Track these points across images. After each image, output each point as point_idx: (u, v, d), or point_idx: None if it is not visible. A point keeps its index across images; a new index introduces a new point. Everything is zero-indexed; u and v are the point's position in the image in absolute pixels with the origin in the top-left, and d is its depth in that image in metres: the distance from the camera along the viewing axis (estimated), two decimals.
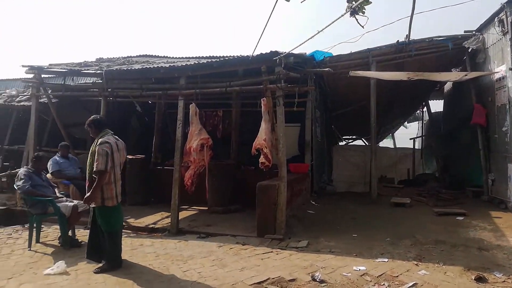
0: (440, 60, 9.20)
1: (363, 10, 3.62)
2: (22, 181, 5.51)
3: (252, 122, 8.12)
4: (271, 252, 5.06)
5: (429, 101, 12.90)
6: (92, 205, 4.56)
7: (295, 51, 6.53)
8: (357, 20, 3.70)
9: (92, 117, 4.78)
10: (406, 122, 16.20)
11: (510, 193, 7.00)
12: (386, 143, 16.13)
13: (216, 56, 9.75)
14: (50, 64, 9.25)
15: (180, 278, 4.22)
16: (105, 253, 4.57)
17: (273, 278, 4.09)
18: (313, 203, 7.78)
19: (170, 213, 6.49)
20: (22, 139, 10.17)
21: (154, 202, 8.34)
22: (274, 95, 6.60)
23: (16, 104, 10.78)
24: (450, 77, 8.99)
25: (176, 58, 10.86)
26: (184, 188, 6.99)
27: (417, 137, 13.30)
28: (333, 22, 4.03)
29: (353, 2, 3.55)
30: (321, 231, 6.04)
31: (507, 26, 7.18)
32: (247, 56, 6.90)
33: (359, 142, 14.56)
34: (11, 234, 6.17)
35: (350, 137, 14.88)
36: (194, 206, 7.96)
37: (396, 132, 16.31)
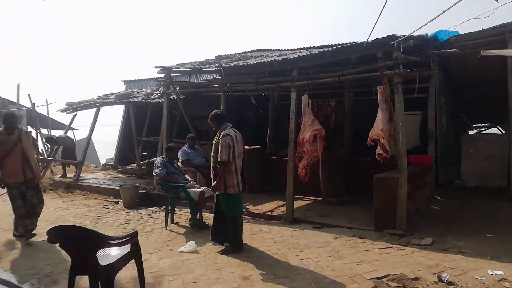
0: None
1: None
2: (159, 169, 6.31)
3: (366, 111, 7.82)
4: (391, 247, 4.85)
5: None
6: (216, 193, 4.99)
7: (415, 34, 6.06)
8: None
9: (213, 112, 5.20)
10: None
11: None
12: None
13: (328, 45, 9.58)
14: (177, 64, 10.29)
15: (297, 266, 4.35)
16: (228, 237, 4.96)
17: (394, 275, 3.93)
18: (438, 198, 7.16)
19: (285, 202, 6.70)
20: (157, 132, 11.63)
21: (270, 191, 8.69)
22: (391, 82, 6.24)
23: (151, 101, 12.28)
24: None
25: (288, 50, 11.01)
26: (298, 178, 7.13)
27: None
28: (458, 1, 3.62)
29: None
30: (448, 228, 5.55)
31: None
32: (361, 42, 6.66)
33: (493, 131, 12.77)
34: (151, 215, 7.14)
35: (483, 124, 13.16)
36: (308, 196, 8.05)
37: None
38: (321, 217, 6.47)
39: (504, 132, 12.02)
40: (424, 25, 5.47)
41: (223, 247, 4.94)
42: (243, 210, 6.64)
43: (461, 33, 8.40)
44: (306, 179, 7.12)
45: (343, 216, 6.49)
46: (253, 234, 5.69)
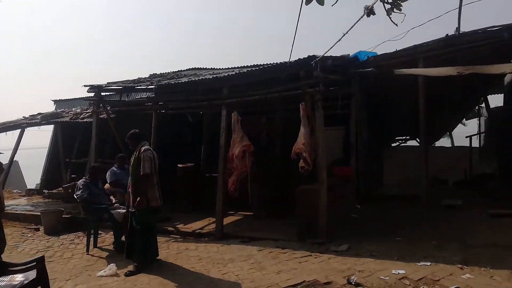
0: (495, 52, 8.57)
1: (400, 7, 3.55)
2: (80, 190, 6.08)
3: (297, 127, 8.19)
4: (310, 256, 5.08)
5: (488, 96, 12.01)
6: (132, 210, 4.94)
7: (330, 53, 6.52)
8: (391, 19, 3.63)
9: (131, 131, 5.22)
10: (464, 120, 15.18)
11: None
12: (443, 142, 15.21)
13: (259, 64, 9.94)
14: (108, 83, 10.06)
15: (218, 280, 4.40)
16: (136, 254, 4.91)
17: (308, 281, 4.12)
18: (358, 206, 7.61)
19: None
20: (88, 153, 11.14)
21: (202, 209, 8.65)
22: (313, 99, 6.63)
23: (81, 120, 11.81)
24: (505, 69, 8.32)
25: (221, 69, 11.23)
26: (229, 194, 7.21)
27: (474, 135, 12.38)
28: (357, 22, 4.02)
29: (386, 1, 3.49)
30: (365, 235, 5.91)
31: None
32: (285, 62, 7.02)
33: (413, 143, 13.88)
34: (73, 240, 6.81)
35: (403, 138, 14.25)
36: (241, 212, 8.16)
37: (454, 130, 15.33)
38: (250, 232, 6.59)
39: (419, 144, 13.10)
40: (331, 48, 5.84)
41: (130, 267, 4.86)
42: (173, 229, 6.60)
43: (378, 54, 9.18)
44: (235, 194, 7.22)
45: (271, 229, 6.66)
46: (178, 253, 5.66)
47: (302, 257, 5.04)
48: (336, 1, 3.28)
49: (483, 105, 12.17)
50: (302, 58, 6.69)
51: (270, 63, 8.85)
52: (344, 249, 5.20)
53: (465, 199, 7.64)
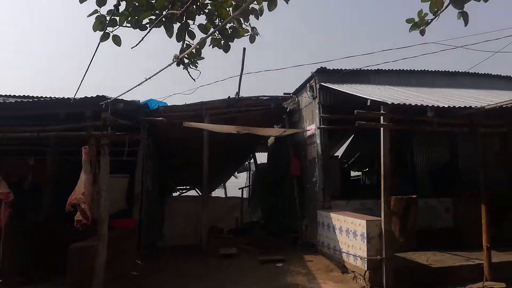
0: (265, 117, 10.20)
1: (196, 64, 3.64)
2: None
3: (75, 171, 7.16)
4: None
5: (256, 153, 14.08)
6: None
7: (123, 97, 6.16)
8: (189, 73, 3.69)
9: None
10: (236, 172, 17.20)
11: (319, 237, 7.93)
12: (218, 192, 16.65)
13: (34, 96, 8.45)
14: None
15: None
16: None
17: None
18: (139, 262, 7.12)
19: None
20: None
21: None
22: (98, 143, 5.99)
23: None
24: (272, 132, 10.00)
25: None
26: None
27: (245, 187, 14.17)
28: (161, 71, 3.93)
29: (186, 57, 3.53)
30: None
31: (316, 92, 8.50)
32: (69, 98, 6.17)
33: (193, 193, 14.57)
34: None
35: (185, 187, 14.80)
36: None
37: (227, 181, 17.08)
38: None
39: (200, 193, 13.91)
40: (126, 92, 5.56)
41: None
42: None
43: (169, 105, 9.38)
44: None
45: None
46: None
47: None
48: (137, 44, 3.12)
49: (252, 160, 14.15)
50: (89, 96, 6.05)
51: (45, 97, 7.67)
52: None
53: (240, 247, 8.35)
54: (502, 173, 9.31)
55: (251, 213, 12.91)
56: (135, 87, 5.37)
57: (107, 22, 2.99)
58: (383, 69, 8.94)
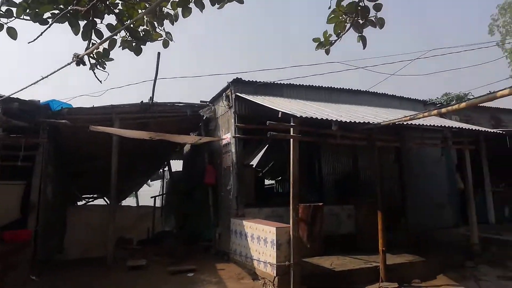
0: (181, 124, 10.03)
1: (104, 65, 3.45)
2: None
3: None
4: None
5: (171, 160, 13.75)
6: None
7: (20, 96, 5.60)
8: (95, 74, 3.48)
9: None
10: (150, 181, 16.59)
11: (232, 245, 7.99)
12: (130, 201, 15.87)
13: None
14: None
15: None
16: None
17: None
18: (34, 278, 6.42)
19: None
20: None
21: None
22: None
23: None
24: (187, 140, 9.86)
25: None
26: None
27: (158, 195, 13.72)
28: (58, 70, 3.63)
29: (92, 57, 3.32)
30: None
31: (232, 101, 8.62)
32: None
33: (102, 202, 13.65)
34: None
35: (91, 196, 13.80)
36: None
37: (140, 190, 16.38)
38: None
39: (108, 202, 13.11)
40: (21, 90, 5.05)
41: None
42: None
43: (74, 107, 8.69)
44: None
45: None
46: None
47: None
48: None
49: (167, 168, 13.77)
50: None
51: None
52: None
53: (149, 258, 8.01)
54: (396, 183, 10.40)
55: (164, 223, 12.52)
56: (30, 85, 4.92)
57: (1, 12, 2.72)
58: (295, 84, 9.44)
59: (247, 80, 8.85)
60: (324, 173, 13.44)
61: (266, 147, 15.78)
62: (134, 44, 3.48)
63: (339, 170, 12.95)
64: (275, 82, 9.26)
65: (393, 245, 7.86)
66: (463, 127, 7.87)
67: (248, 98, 8.18)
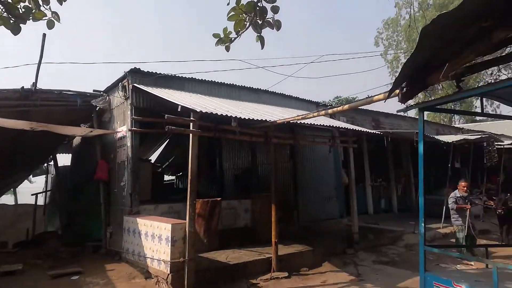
0: (70, 114, 9.14)
1: None
2: None
3: None
4: None
5: (57, 154, 12.46)
6: None
7: None
8: None
9: None
10: (32, 176, 14.83)
11: (124, 244, 7.59)
12: (6, 199, 13.97)
13: None
14: None
15: None
16: None
17: None
18: None
19: None
20: None
21: None
22: None
23: None
24: (76, 132, 9.05)
25: None
26: None
27: (40, 192, 12.31)
28: None
29: None
30: None
31: (128, 92, 8.13)
32: None
33: None
34: None
35: None
36: None
37: (19, 186, 14.51)
38: None
39: None
40: None
41: None
42: None
43: None
44: None
45: None
46: None
47: None
48: None
49: (52, 162, 12.43)
50: None
51: None
52: None
53: (28, 262, 7.16)
54: (290, 178, 11.03)
55: (47, 222, 11.30)
56: None
57: None
58: (197, 78, 9.33)
59: (146, 71, 8.45)
60: (225, 168, 13.65)
61: (166, 142, 15.36)
62: (12, 21, 3.08)
63: (239, 165, 13.27)
64: (177, 75, 9.03)
65: (286, 237, 8.35)
66: (348, 127, 8.68)
67: (146, 89, 7.82)
